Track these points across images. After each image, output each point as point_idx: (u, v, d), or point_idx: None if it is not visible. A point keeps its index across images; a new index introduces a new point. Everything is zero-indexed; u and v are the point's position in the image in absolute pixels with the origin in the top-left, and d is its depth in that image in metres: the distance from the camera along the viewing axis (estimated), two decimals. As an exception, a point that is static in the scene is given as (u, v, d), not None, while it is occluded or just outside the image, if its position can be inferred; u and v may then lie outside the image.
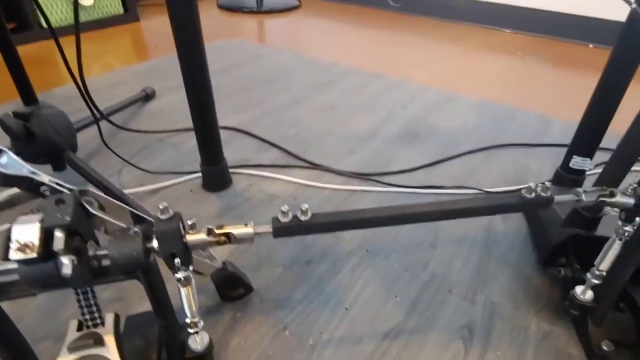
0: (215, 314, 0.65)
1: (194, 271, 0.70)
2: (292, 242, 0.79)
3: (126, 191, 0.88)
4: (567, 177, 0.85)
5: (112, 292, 0.68)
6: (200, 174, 0.95)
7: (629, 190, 0.49)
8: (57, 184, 0.43)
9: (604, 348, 0.58)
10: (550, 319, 0.65)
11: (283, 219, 0.42)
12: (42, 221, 0.35)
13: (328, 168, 1.01)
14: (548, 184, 0.47)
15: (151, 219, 0.44)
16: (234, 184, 0.96)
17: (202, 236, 0.41)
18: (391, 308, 0.67)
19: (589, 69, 1.71)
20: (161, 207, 0.39)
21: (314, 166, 1.02)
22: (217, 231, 0.42)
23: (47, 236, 0.35)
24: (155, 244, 0.40)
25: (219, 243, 0.42)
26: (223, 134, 0.93)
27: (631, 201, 0.48)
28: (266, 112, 1.28)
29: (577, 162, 0.83)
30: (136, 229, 0.39)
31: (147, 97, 1.31)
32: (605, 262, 0.55)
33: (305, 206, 0.42)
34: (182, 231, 0.40)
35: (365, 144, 1.12)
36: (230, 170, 0.97)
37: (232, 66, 1.63)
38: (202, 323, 0.49)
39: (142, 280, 0.42)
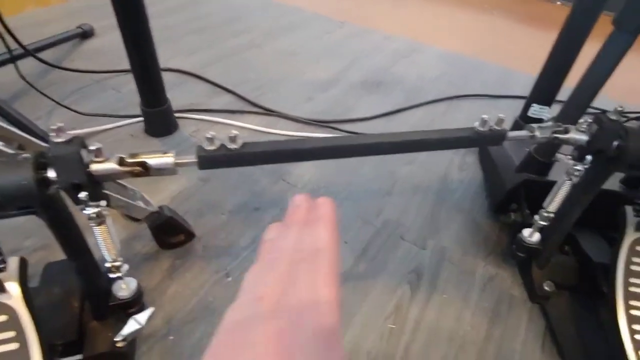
0: (152, 261, 0.60)
1: (127, 216, 0.65)
2: (240, 189, 0.74)
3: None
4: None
5: (36, 240, 0.62)
6: (142, 119, 0.86)
7: (584, 127, 0.46)
8: None
9: (546, 289, 0.59)
10: (497, 264, 0.65)
11: (209, 147, 0.37)
12: None
13: (283, 114, 0.94)
14: (503, 116, 0.44)
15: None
16: (180, 129, 0.88)
17: (111, 165, 0.35)
18: (340, 254, 0.64)
19: (555, 25, 1.67)
20: (54, 127, 0.32)
21: (269, 112, 0.95)
22: (130, 160, 0.36)
23: None
24: (52, 173, 0.33)
25: (133, 174, 0.36)
26: (169, 76, 0.85)
27: (585, 138, 0.46)
28: (221, 55, 1.18)
29: (535, 110, 0.82)
30: (26, 155, 0.33)
31: (85, 34, 1.17)
32: (554, 203, 0.54)
33: (234, 132, 0.36)
34: (85, 158, 0.34)
35: (325, 91, 1.06)
36: (177, 114, 0.89)
37: (184, 5, 1.49)
38: (126, 267, 0.44)
39: (41, 215, 0.36)
